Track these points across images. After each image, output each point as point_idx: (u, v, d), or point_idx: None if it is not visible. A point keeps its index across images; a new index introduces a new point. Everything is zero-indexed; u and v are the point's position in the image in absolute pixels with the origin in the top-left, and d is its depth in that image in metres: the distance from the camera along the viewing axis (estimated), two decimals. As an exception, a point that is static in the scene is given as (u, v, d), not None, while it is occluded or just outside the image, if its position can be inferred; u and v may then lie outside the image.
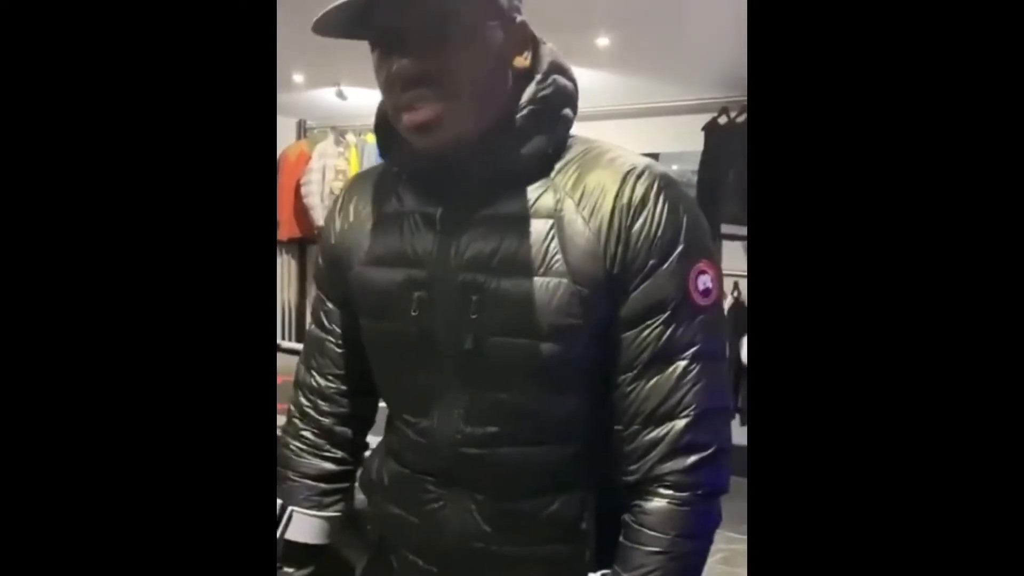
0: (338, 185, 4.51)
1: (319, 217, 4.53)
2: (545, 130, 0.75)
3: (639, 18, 2.70)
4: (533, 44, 0.76)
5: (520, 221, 0.73)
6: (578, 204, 0.72)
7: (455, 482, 0.79)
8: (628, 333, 0.73)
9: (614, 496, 0.77)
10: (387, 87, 0.71)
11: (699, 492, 0.73)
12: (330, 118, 4.69)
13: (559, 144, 0.77)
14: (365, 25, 0.70)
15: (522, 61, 0.74)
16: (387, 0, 0.67)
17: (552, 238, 0.72)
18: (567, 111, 0.77)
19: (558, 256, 0.71)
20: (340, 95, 4.01)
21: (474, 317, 0.72)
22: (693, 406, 0.72)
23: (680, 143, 3.76)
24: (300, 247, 5.09)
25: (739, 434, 3.64)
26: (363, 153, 4.46)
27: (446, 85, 0.69)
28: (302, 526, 0.89)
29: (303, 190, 4.59)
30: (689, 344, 0.72)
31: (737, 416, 3.55)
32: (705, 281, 0.73)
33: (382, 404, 0.93)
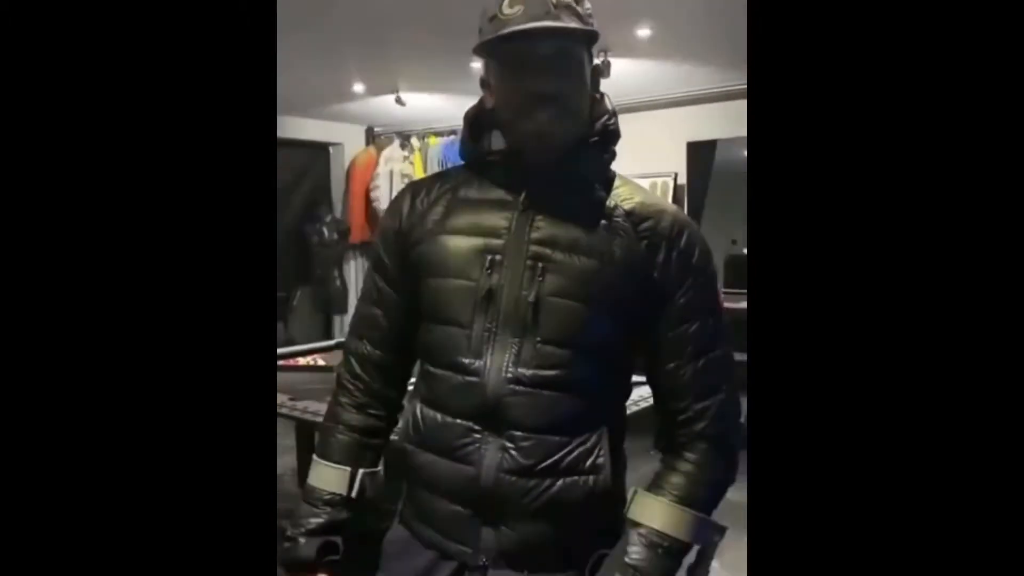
0: (404, 188, 4.67)
1: (387, 220, 4.70)
2: (609, 152, 0.99)
3: (677, 5, 2.70)
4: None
5: (585, 215, 0.94)
6: (628, 214, 0.95)
7: (496, 421, 0.92)
8: (672, 332, 0.95)
9: (619, 440, 0.98)
10: (518, 100, 0.91)
11: (731, 444, 0.96)
12: (392, 124, 4.86)
13: (610, 168, 1.01)
14: (510, 51, 0.91)
15: (597, 95, 0.98)
16: (534, 32, 0.87)
17: (607, 233, 0.94)
18: (615, 147, 1.00)
19: (609, 248, 0.93)
20: (399, 101, 4.15)
21: (540, 279, 0.91)
22: (727, 384, 0.97)
23: (736, 129, 3.69)
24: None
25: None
26: (426, 156, 4.60)
27: (567, 105, 0.91)
28: (368, 483, 1.03)
29: (372, 195, 4.78)
30: (718, 340, 0.96)
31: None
32: (719, 297, 1.00)
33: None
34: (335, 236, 5.01)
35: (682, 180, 4.01)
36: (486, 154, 0.99)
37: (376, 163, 4.80)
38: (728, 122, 3.76)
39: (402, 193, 1.06)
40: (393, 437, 1.06)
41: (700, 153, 4.02)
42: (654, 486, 0.94)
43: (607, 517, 0.98)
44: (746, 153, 3.98)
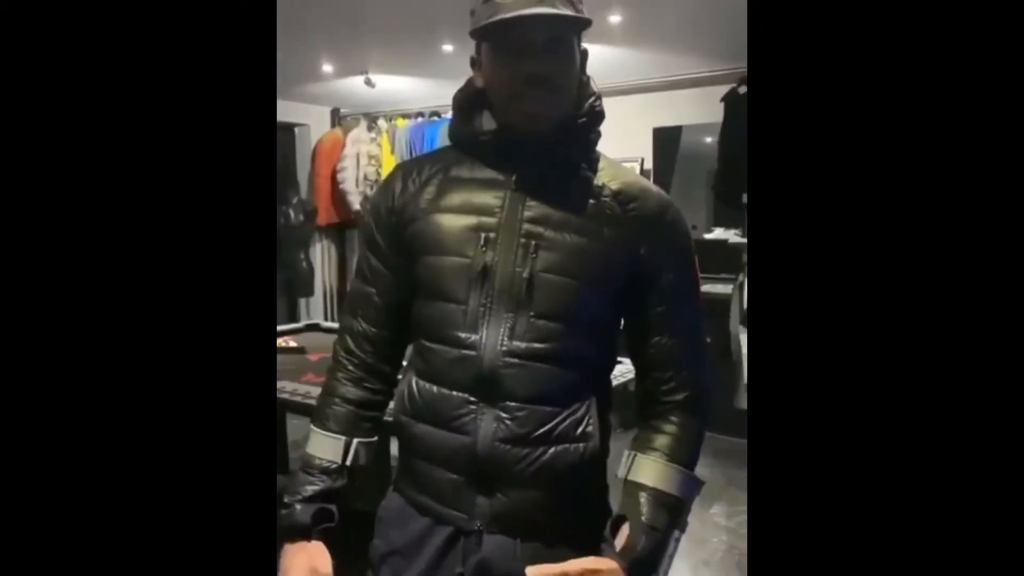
0: (372, 171, 4.64)
1: (355, 202, 4.68)
2: (594, 133, 1.03)
3: (650, -7, 2.74)
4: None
5: (574, 195, 0.99)
6: (615, 193, 0.99)
7: (491, 393, 0.96)
8: (657, 308, 1.01)
9: (605, 410, 1.03)
10: (511, 82, 0.94)
11: (706, 410, 1.05)
12: (362, 105, 4.82)
13: (596, 149, 1.05)
14: (505, 35, 0.94)
15: (584, 78, 1.02)
16: (529, 19, 0.90)
17: (596, 212, 0.98)
18: (600, 127, 1.04)
19: (598, 226, 0.97)
20: (368, 83, 4.12)
21: (533, 256, 0.96)
22: (703, 356, 1.06)
23: (701, 115, 3.78)
24: (339, 232, 5.25)
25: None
26: (394, 138, 4.58)
27: (557, 86, 0.95)
28: (361, 452, 1.06)
29: (339, 176, 4.73)
30: (698, 316, 1.05)
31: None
32: (698, 275, 1.06)
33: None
34: (301, 218, 4.97)
35: (648, 165, 4.07)
36: (477, 135, 1.02)
37: (343, 145, 4.76)
38: (693, 109, 3.84)
39: (393, 173, 1.09)
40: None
41: (666, 138, 4.09)
42: (644, 449, 1.01)
43: (595, 483, 1.04)
44: (709, 139, 4.11)
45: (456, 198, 1.00)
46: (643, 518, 0.95)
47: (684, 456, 1.00)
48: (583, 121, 1.00)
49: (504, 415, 0.95)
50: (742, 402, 3.70)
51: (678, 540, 0.98)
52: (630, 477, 0.99)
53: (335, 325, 3.68)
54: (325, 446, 1.06)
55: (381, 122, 4.68)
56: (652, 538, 0.94)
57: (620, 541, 0.94)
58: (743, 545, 2.75)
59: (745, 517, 2.97)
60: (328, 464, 1.04)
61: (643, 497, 0.97)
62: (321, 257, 5.24)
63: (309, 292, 5.09)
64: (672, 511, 0.97)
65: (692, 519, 1.01)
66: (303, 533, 1.01)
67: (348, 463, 1.04)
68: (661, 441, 1.00)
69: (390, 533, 1.05)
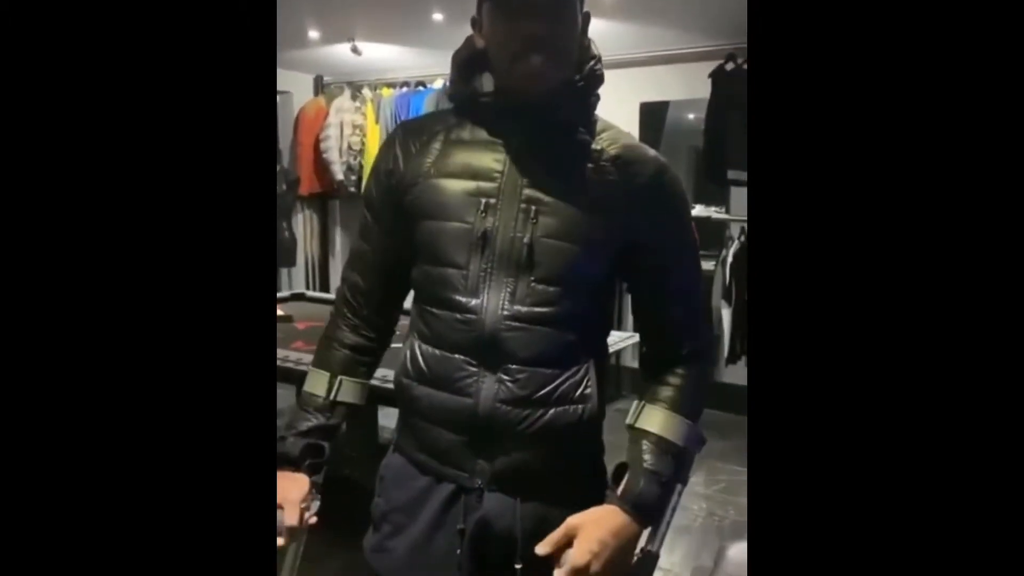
0: (355, 140, 4.59)
1: (338, 171, 4.64)
2: (594, 95, 1.03)
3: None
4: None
5: (574, 159, 0.99)
6: (615, 159, 0.99)
7: (492, 356, 0.98)
8: (655, 270, 1.03)
9: (603, 372, 1.06)
10: (512, 42, 0.94)
11: (708, 366, 1.12)
12: (346, 73, 4.76)
13: (595, 111, 1.05)
14: None
15: (585, 42, 1.01)
16: None
17: (596, 176, 0.98)
18: (599, 91, 1.04)
19: (598, 191, 0.98)
20: (355, 51, 4.07)
21: (533, 222, 0.97)
22: (703, 313, 1.10)
23: (688, 91, 3.79)
24: (321, 202, 5.21)
25: (741, 374, 3.75)
26: (379, 107, 4.53)
27: (558, 48, 0.94)
28: (347, 390, 1.10)
29: (322, 145, 4.68)
30: (696, 276, 1.09)
31: (744, 357, 3.67)
32: (695, 236, 1.08)
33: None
34: (283, 187, 4.92)
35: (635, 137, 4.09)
36: (477, 96, 1.02)
37: (326, 113, 4.70)
38: (680, 84, 3.85)
39: (393, 135, 1.09)
40: (386, 375, 1.12)
41: (652, 113, 4.10)
42: (651, 399, 1.04)
43: (592, 444, 1.07)
44: (692, 115, 4.12)
45: (456, 162, 1.01)
46: (645, 464, 0.98)
47: (688, 408, 1.03)
48: (582, 84, 1.00)
49: (506, 377, 0.97)
50: (722, 375, 3.78)
51: (680, 493, 1.01)
52: (637, 424, 1.02)
53: (321, 295, 3.69)
54: (319, 382, 1.10)
55: (365, 91, 4.63)
56: (654, 482, 0.97)
57: (621, 485, 0.97)
58: (721, 512, 2.83)
59: (724, 486, 3.05)
60: (321, 400, 1.08)
61: (646, 444, 1.00)
62: (303, 227, 5.20)
63: (291, 262, 5.05)
64: (675, 459, 1.00)
65: None
66: (292, 463, 1.03)
67: (337, 397, 1.08)
68: (666, 393, 1.03)
69: (391, 491, 1.08)
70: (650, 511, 0.97)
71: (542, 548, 0.91)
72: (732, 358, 3.68)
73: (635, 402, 1.06)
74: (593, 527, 0.92)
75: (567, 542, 0.92)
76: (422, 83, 4.47)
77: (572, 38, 0.97)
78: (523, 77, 0.95)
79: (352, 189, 4.63)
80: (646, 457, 0.98)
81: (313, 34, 3.93)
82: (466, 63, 1.03)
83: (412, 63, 4.44)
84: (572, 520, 0.93)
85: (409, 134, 1.06)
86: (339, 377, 1.10)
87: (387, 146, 1.08)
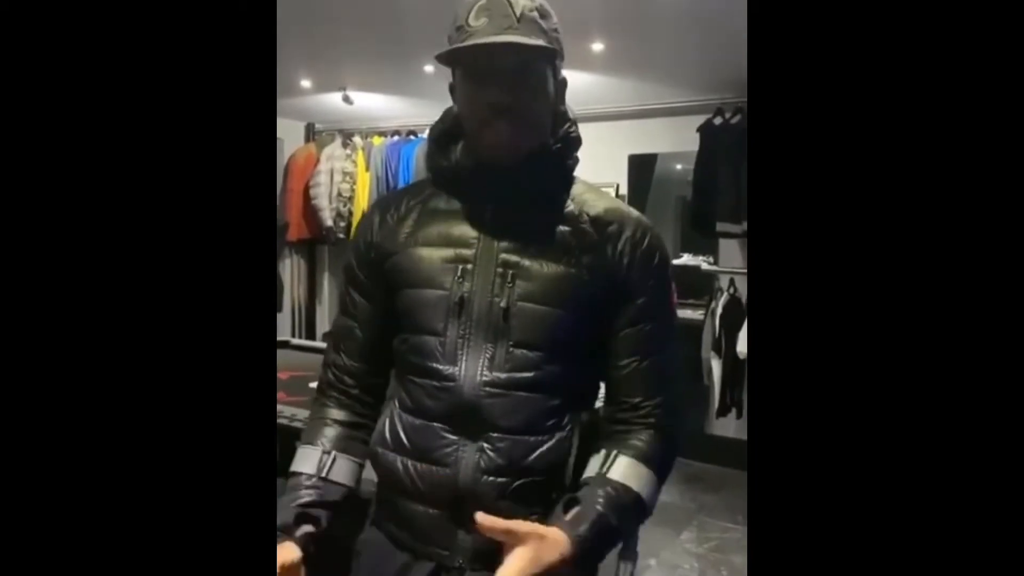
0: (346, 187, 4.61)
1: (327, 218, 4.63)
2: (571, 160, 1.03)
3: (633, 24, 2.79)
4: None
5: (551, 221, 0.99)
6: (594, 220, 0.99)
7: (472, 424, 0.95)
8: (630, 330, 0.99)
9: (589, 436, 1.01)
10: (479, 110, 0.94)
11: (676, 437, 1.03)
12: (337, 121, 4.80)
13: (573, 174, 1.05)
14: (472, 62, 0.93)
15: (560, 108, 1.02)
16: (496, 47, 0.89)
17: (574, 238, 0.98)
18: (577, 153, 1.04)
19: (576, 253, 0.97)
20: (347, 100, 4.11)
21: (510, 286, 0.96)
22: (675, 379, 1.05)
23: (676, 143, 3.85)
24: (309, 248, 5.20)
25: (732, 426, 3.72)
26: (369, 155, 4.56)
27: (526, 117, 0.94)
28: (341, 468, 1.05)
29: (312, 192, 4.68)
30: (670, 339, 1.04)
31: (734, 409, 3.64)
32: (674, 298, 1.06)
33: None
34: (271, 232, 4.90)
35: (624, 190, 4.12)
36: (451, 167, 1.02)
37: (316, 160, 4.72)
38: (668, 137, 3.91)
39: (372, 209, 1.10)
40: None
41: (641, 165, 4.15)
42: (623, 450, 0.97)
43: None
44: (679, 166, 4.17)
45: (434, 231, 1.01)
46: (598, 505, 0.91)
47: (658, 465, 0.98)
48: (558, 148, 1.00)
49: (487, 446, 0.94)
50: (713, 428, 3.74)
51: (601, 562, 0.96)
52: (609, 475, 0.95)
53: (307, 343, 3.64)
54: (308, 458, 1.04)
55: (356, 139, 4.66)
56: (601, 524, 0.90)
57: (569, 516, 0.91)
58: (714, 572, 2.75)
59: (716, 543, 2.98)
60: (311, 477, 1.02)
61: (605, 489, 0.93)
62: (291, 273, 5.17)
63: (278, 308, 5.01)
64: (631, 513, 0.94)
65: (662, 545, 1.02)
66: (284, 532, 0.97)
67: (323, 474, 1.02)
68: (632, 447, 0.97)
69: (369, 568, 1.03)
70: (588, 558, 0.91)
71: (485, 520, 0.86)
72: (722, 410, 3.65)
73: (601, 452, 0.98)
74: (541, 545, 0.86)
75: (501, 540, 0.87)
76: (413, 132, 4.50)
77: (542, 107, 0.96)
78: (490, 145, 0.95)
79: (341, 235, 4.63)
80: (600, 500, 0.92)
81: (305, 83, 3.97)
82: (442, 135, 1.03)
83: (403, 112, 4.48)
84: (532, 526, 0.87)
85: (386, 206, 1.07)
86: (332, 453, 1.05)
87: (366, 219, 1.08)
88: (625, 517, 0.94)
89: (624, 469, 0.96)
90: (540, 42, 0.91)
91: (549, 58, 0.95)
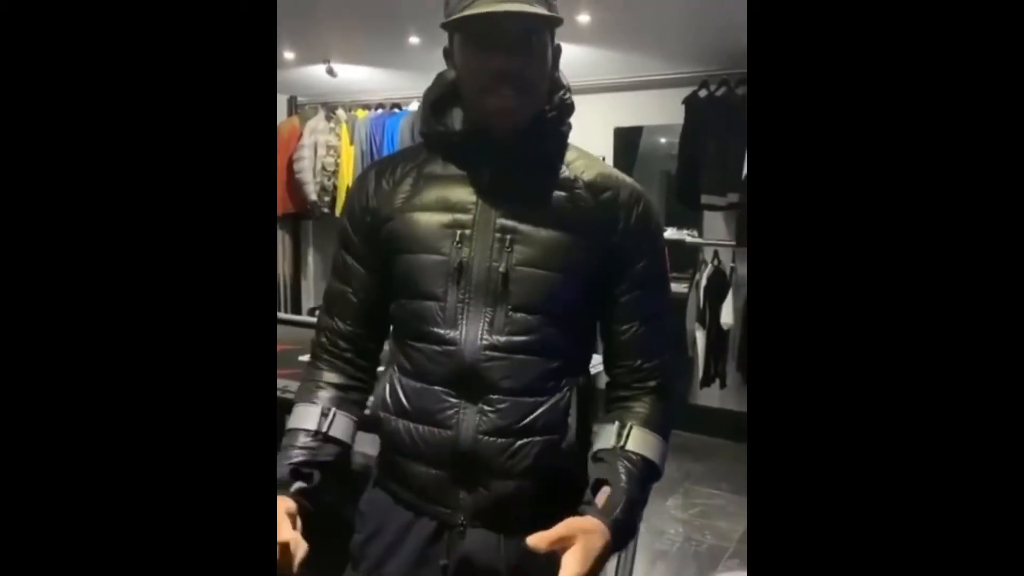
0: (330, 160, 4.57)
1: (311, 192, 4.60)
2: (565, 125, 1.04)
3: (618, -5, 2.78)
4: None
5: (547, 187, 1.00)
6: (588, 185, 1.00)
7: (472, 387, 0.97)
8: (629, 296, 1.02)
9: (586, 398, 1.05)
10: (482, 77, 0.94)
11: (674, 398, 1.08)
12: (321, 95, 4.74)
13: (567, 140, 1.06)
14: (476, 29, 0.93)
15: (555, 75, 1.02)
16: (501, 15, 0.90)
17: (569, 203, 0.99)
18: (570, 119, 1.05)
19: (572, 218, 0.98)
20: (330, 72, 4.07)
21: (508, 251, 0.97)
22: (672, 342, 1.10)
23: (661, 116, 3.84)
24: (294, 222, 5.16)
25: (716, 397, 3.78)
26: (353, 129, 4.52)
27: (528, 82, 0.95)
28: (340, 424, 1.06)
29: (295, 166, 4.64)
30: (668, 304, 1.09)
31: (717, 380, 3.70)
32: (667, 263, 1.07)
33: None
34: (255, 207, 4.86)
35: (609, 163, 4.13)
36: (447, 134, 1.02)
37: (300, 134, 4.67)
38: (653, 110, 3.90)
39: (366, 172, 1.09)
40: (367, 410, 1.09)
41: (626, 138, 4.15)
42: (637, 422, 1.00)
43: (577, 472, 1.04)
44: (664, 140, 4.17)
45: (431, 195, 1.01)
46: (623, 484, 0.95)
47: (662, 428, 1.02)
48: (553, 115, 1.01)
49: (487, 407, 0.97)
50: (697, 398, 3.80)
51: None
52: (628, 447, 0.99)
53: (293, 317, 3.64)
54: (305, 415, 1.05)
55: (340, 112, 4.62)
56: (630, 502, 0.94)
57: (601, 500, 0.94)
58: (699, 536, 2.82)
59: (700, 510, 3.05)
60: (308, 433, 1.03)
61: (628, 464, 0.97)
62: (277, 247, 5.15)
63: (262, 283, 4.99)
64: (649, 481, 0.99)
65: (649, 512, 1.04)
66: (282, 486, 0.98)
67: (324, 428, 1.03)
68: (643, 413, 1.01)
69: (372, 527, 1.05)
70: (627, 528, 0.94)
71: (537, 541, 0.86)
72: (706, 380, 3.70)
73: (615, 423, 1.01)
74: (589, 538, 0.88)
75: (560, 543, 0.88)
76: (397, 105, 4.47)
77: (542, 72, 0.98)
78: (493, 111, 0.96)
79: (325, 210, 4.60)
80: (623, 477, 0.96)
81: (288, 55, 3.92)
82: (437, 100, 1.03)
83: (387, 85, 4.44)
84: (573, 523, 0.89)
85: (381, 171, 1.07)
86: (332, 410, 1.05)
87: (359, 184, 1.08)
88: (646, 488, 0.99)
89: (639, 441, 0.99)
90: (543, 10, 0.92)
91: (551, 26, 0.96)
